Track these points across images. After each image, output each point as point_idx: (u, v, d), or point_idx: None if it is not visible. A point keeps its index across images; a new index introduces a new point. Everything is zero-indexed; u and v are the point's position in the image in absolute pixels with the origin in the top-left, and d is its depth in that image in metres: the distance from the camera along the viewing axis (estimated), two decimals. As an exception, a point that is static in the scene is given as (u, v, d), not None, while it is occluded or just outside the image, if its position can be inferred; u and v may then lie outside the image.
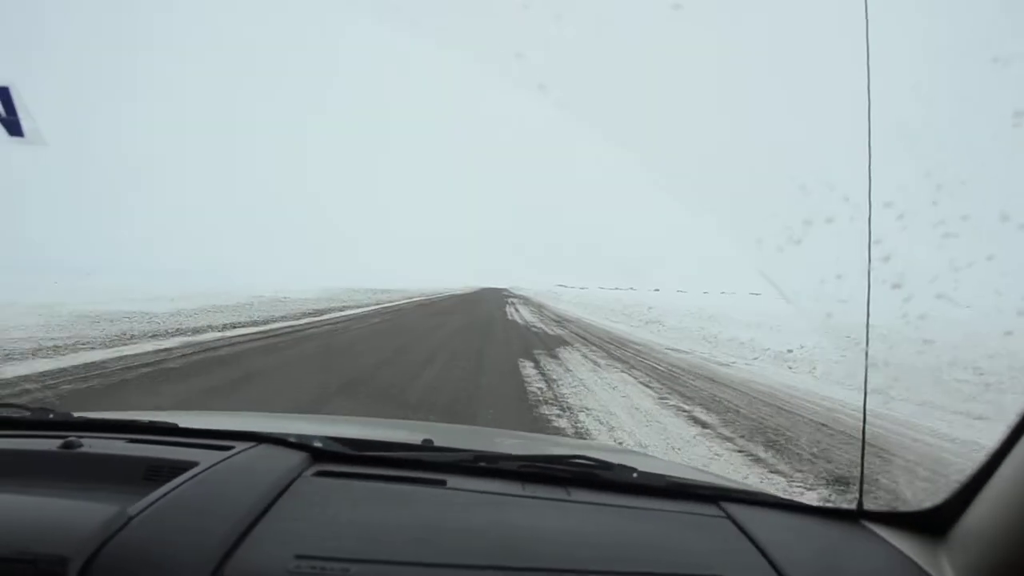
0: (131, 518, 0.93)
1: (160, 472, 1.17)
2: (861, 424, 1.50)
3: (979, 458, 1.02)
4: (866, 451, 1.48)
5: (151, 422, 1.50)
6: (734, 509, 1.24)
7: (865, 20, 1.14)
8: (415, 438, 1.52)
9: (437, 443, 1.49)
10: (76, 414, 1.52)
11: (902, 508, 1.21)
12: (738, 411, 7.50)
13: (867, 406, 1.63)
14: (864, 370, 1.64)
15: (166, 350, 10.22)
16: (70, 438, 1.27)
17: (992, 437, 1.00)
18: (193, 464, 1.18)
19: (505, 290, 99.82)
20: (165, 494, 1.03)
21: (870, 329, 1.41)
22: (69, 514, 0.93)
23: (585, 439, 5.58)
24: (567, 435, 5.80)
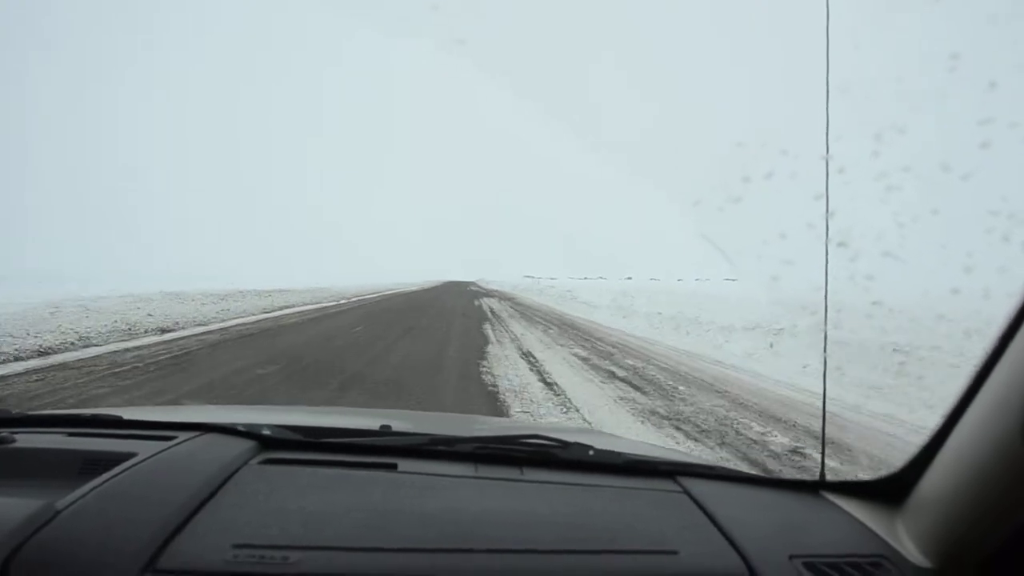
0: (58, 512, 0.92)
1: (97, 465, 1.14)
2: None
3: (933, 426, 1.04)
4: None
5: (94, 415, 1.48)
6: (692, 484, 1.26)
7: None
8: (373, 425, 1.53)
9: (395, 429, 1.50)
10: (16, 411, 1.52)
11: (862, 478, 1.23)
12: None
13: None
14: (824, 348, 1.64)
15: None
16: (3, 434, 1.26)
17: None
18: (132, 455, 1.17)
19: (473, 284, 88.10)
20: (97, 486, 1.02)
21: (823, 299, 1.40)
22: None
23: (548, 421, 5.55)
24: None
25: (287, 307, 23.23)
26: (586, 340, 13.45)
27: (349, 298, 32.26)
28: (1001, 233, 2.96)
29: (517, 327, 16.08)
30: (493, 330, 14.95)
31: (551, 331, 15.42)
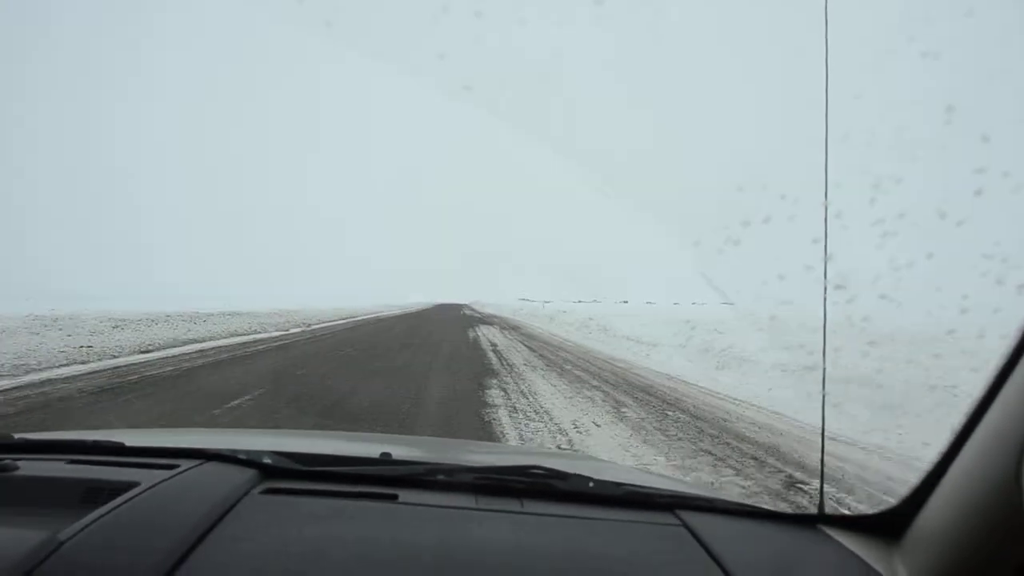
0: (61, 543, 0.93)
1: (99, 494, 1.15)
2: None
3: (932, 459, 1.04)
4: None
5: (95, 442, 1.48)
6: (690, 517, 1.27)
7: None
8: (373, 451, 1.54)
9: (395, 456, 1.52)
10: (17, 435, 1.51)
11: (862, 512, 1.24)
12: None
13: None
14: (822, 383, 1.68)
15: None
16: (5, 461, 1.25)
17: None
18: (135, 484, 1.17)
19: (465, 307, 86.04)
20: (99, 517, 1.02)
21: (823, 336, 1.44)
22: None
23: (549, 447, 5.62)
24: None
25: (198, 341, 16.47)
26: (774, 470, 5.24)
27: (309, 325, 26.09)
28: (995, 276, 3.03)
29: (550, 395, 8.77)
30: (510, 411, 7.44)
31: (625, 409, 7.77)
